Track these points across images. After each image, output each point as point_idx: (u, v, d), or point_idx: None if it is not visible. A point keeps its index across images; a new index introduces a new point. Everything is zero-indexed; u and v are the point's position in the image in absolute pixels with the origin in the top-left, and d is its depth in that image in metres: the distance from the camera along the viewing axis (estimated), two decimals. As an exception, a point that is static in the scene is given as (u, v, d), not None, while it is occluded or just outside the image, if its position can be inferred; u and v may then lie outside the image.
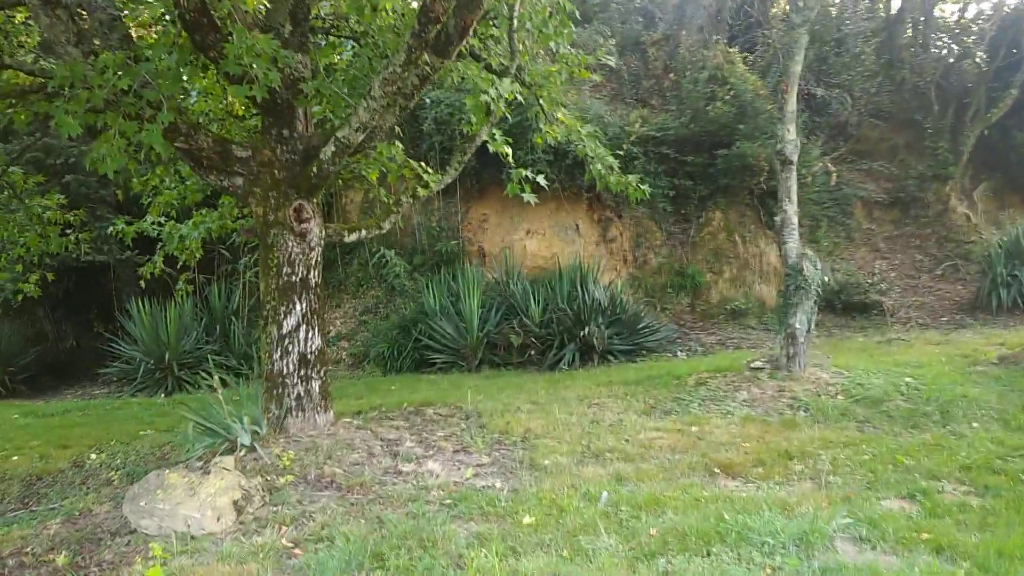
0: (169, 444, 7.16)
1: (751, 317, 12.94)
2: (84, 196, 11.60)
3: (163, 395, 10.69)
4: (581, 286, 11.27)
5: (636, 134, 13.31)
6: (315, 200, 6.40)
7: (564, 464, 5.74)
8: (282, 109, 6.24)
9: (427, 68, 5.86)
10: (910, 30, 17.83)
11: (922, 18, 17.36)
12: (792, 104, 7.76)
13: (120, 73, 4.97)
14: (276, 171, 6.28)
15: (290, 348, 6.34)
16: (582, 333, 10.23)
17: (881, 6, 18.65)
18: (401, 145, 7.09)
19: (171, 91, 5.08)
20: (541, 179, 6.77)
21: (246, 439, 6.00)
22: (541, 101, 8.06)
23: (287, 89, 6.17)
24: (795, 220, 7.84)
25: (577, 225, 13.59)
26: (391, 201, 7.16)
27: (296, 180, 6.27)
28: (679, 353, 10.46)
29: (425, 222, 13.91)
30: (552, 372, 10.18)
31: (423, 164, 7.17)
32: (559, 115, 8.09)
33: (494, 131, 6.91)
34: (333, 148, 5.93)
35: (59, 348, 14.20)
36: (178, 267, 9.61)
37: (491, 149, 6.93)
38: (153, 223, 9.06)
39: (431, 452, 6.19)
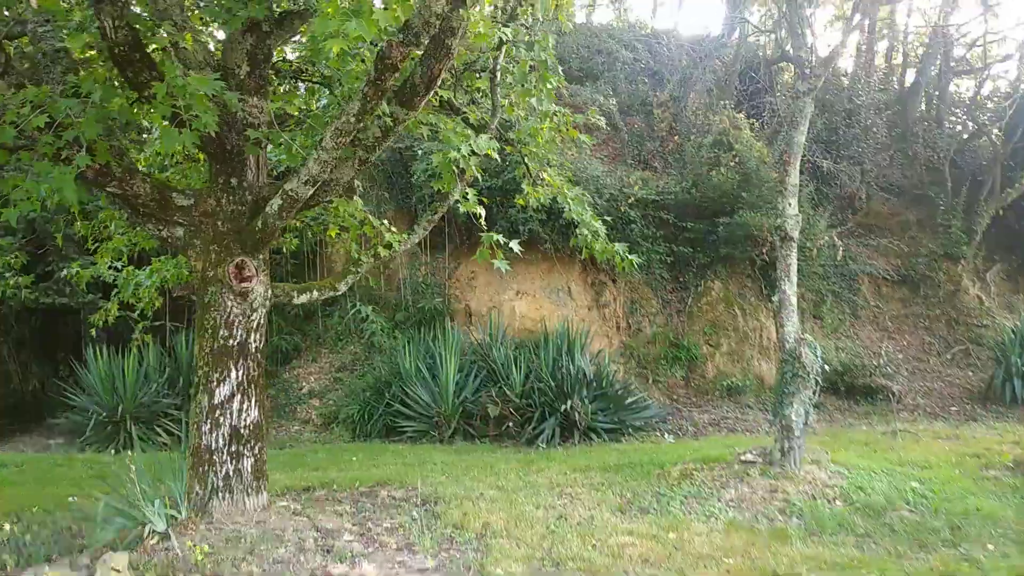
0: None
1: (749, 395, 12.19)
2: (49, 235, 11.04)
3: (113, 452, 9.95)
4: (567, 354, 10.57)
5: (634, 197, 12.77)
6: (261, 256, 5.78)
7: (517, 575, 4.99)
8: (232, 156, 5.67)
9: (389, 120, 5.32)
10: (924, 104, 17.42)
11: (936, 92, 16.95)
12: (795, 176, 7.17)
13: (41, 109, 4.43)
14: (219, 223, 5.69)
15: (221, 420, 5.66)
16: (564, 407, 9.50)
17: (895, 79, 18.30)
18: (361, 201, 6.49)
19: (92, 131, 4.51)
20: (515, 245, 6.15)
21: (160, 524, 5.29)
22: (526, 160, 7.57)
23: (238, 135, 5.61)
24: (794, 301, 7.18)
25: (569, 288, 12.97)
26: (354, 260, 6.54)
27: (241, 234, 5.67)
28: (667, 435, 9.72)
29: (411, 277, 13.33)
30: (529, 449, 9.43)
31: (386, 223, 6.57)
32: (545, 175, 7.59)
33: (467, 190, 6.33)
34: (280, 202, 5.34)
35: (23, 391, 13.52)
36: (137, 314, 9.02)
37: (462, 209, 6.35)
38: (110, 268, 8.51)
39: (370, 549, 5.44)
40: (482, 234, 6.06)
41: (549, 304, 12.82)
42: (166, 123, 4.75)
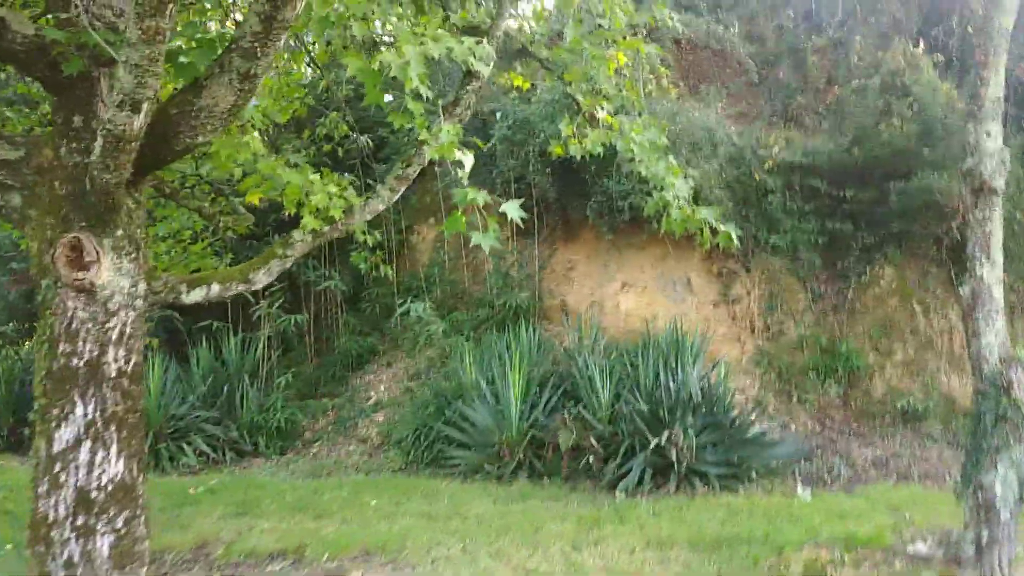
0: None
1: (932, 422, 9.04)
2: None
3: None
4: (675, 364, 8.05)
5: (774, 160, 9.96)
6: (120, 232, 3.87)
7: None
8: (71, 83, 3.80)
9: (265, 4, 3.22)
10: None
11: None
12: (996, 88, 4.34)
13: None
14: (56, 183, 3.84)
15: (63, 478, 3.80)
16: (658, 440, 7.02)
17: None
18: (258, 139, 4.38)
19: None
20: (512, 207, 3.80)
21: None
22: (570, 89, 5.35)
23: (80, 50, 3.72)
24: (998, 294, 4.36)
25: (688, 279, 10.35)
26: (281, 242, 4.51)
27: (85, 199, 3.79)
28: (802, 488, 6.94)
29: (497, 268, 11.25)
30: (608, 496, 7.02)
31: (323, 169, 4.43)
32: (605, 115, 5.32)
33: (444, 127, 4.08)
34: (100, 142, 3.37)
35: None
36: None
37: (429, 155, 4.12)
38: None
39: None
40: (454, 190, 3.78)
41: (663, 299, 10.28)
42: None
